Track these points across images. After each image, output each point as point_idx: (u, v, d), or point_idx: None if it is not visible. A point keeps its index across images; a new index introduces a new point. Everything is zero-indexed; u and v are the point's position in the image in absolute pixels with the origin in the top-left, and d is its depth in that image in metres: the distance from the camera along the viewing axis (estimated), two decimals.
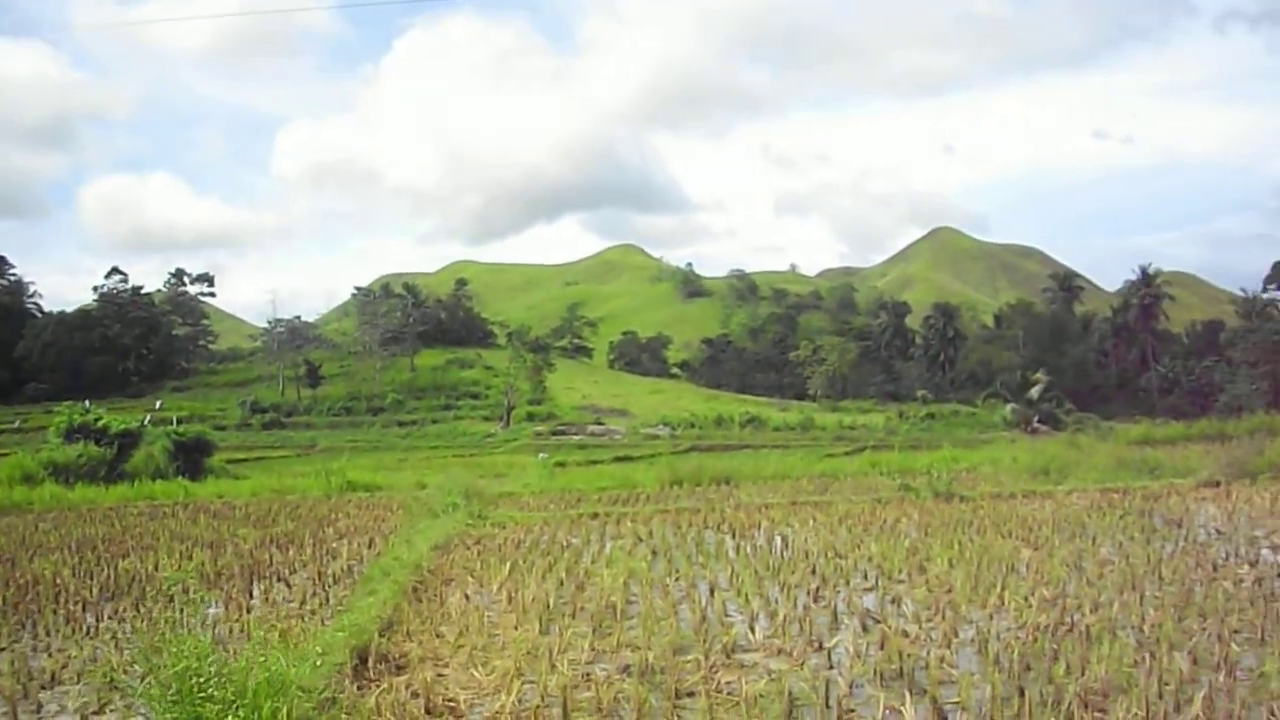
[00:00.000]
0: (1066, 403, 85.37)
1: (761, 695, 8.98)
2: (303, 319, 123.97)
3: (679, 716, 8.68)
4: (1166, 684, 8.68)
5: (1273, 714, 7.99)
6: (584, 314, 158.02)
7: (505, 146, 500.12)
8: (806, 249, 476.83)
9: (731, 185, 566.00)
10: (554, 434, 75.98)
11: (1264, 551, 15.59)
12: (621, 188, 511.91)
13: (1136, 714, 8.05)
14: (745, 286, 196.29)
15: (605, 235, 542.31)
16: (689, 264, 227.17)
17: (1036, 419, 76.25)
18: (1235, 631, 10.68)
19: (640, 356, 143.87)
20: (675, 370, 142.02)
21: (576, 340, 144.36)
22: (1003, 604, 12.28)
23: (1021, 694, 8.61)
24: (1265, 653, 9.72)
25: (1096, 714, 8.23)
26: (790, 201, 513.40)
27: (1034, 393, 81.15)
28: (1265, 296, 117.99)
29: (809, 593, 13.43)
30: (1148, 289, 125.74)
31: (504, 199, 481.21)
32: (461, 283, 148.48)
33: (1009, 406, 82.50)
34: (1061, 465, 29.74)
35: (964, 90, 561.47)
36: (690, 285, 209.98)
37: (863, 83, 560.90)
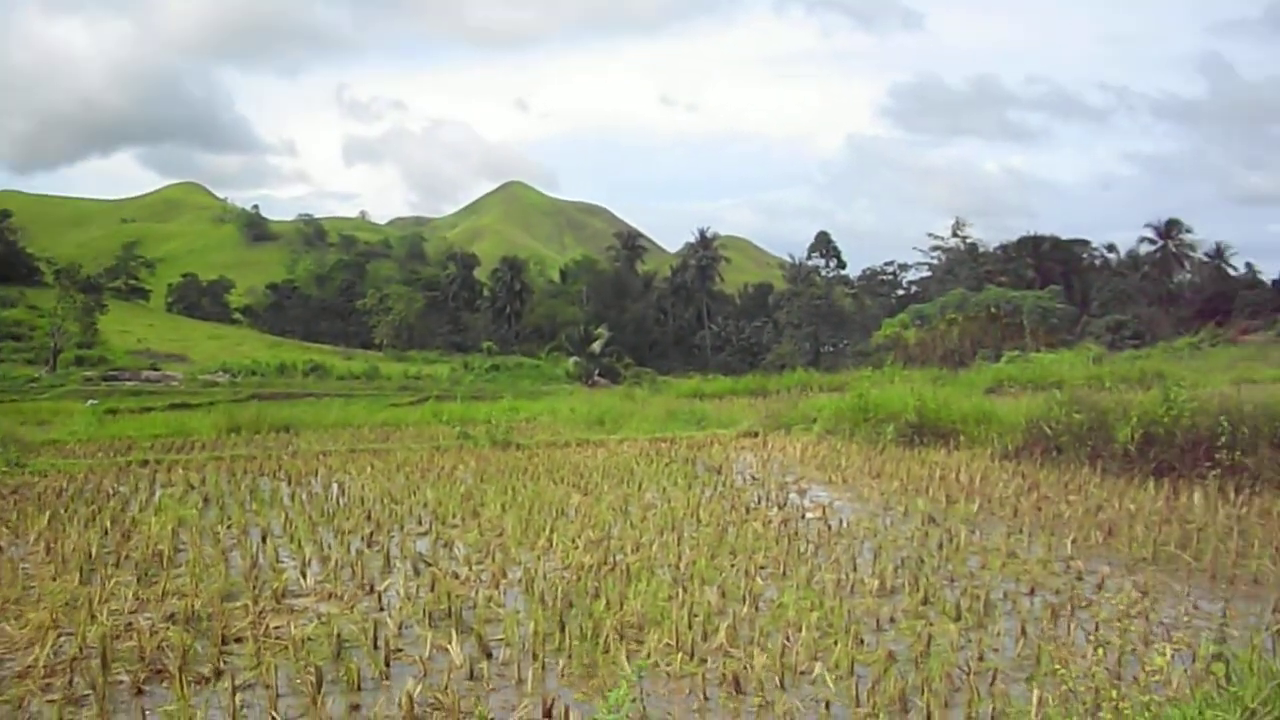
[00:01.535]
0: (626, 357, 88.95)
1: (310, 638, 9.05)
2: None
3: (225, 662, 8.59)
4: (696, 615, 9.37)
5: (788, 639, 8.80)
6: (141, 253, 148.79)
7: (57, 70, 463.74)
8: (378, 197, 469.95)
9: (303, 127, 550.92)
10: (105, 379, 71.70)
11: (791, 495, 16.98)
12: (185, 123, 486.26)
13: (668, 643, 8.69)
14: (313, 232, 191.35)
15: (166, 172, 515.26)
16: (255, 206, 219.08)
17: (597, 372, 79.02)
18: (761, 568, 11.64)
19: (201, 300, 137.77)
20: (238, 316, 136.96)
21: (132, 281, 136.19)
22: (551, 546, 12.83)
23: (562, 628, 9.11)
24: (785, 585, 10.66)
25: (632, 645, 8.80)
26: (363, 148, 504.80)
27: (595, 347, 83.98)
28: (809, 263, 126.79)
29: (363, 538, 13.55)
30: (705, 251, 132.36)
31: (55, 127, 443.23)
32: (4, 214, 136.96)
33: (572, 360, 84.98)
34: (616, 416, 31.06)
35: (540, 47, 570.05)
36: (256, 228, 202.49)
37: (440, 32, 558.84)
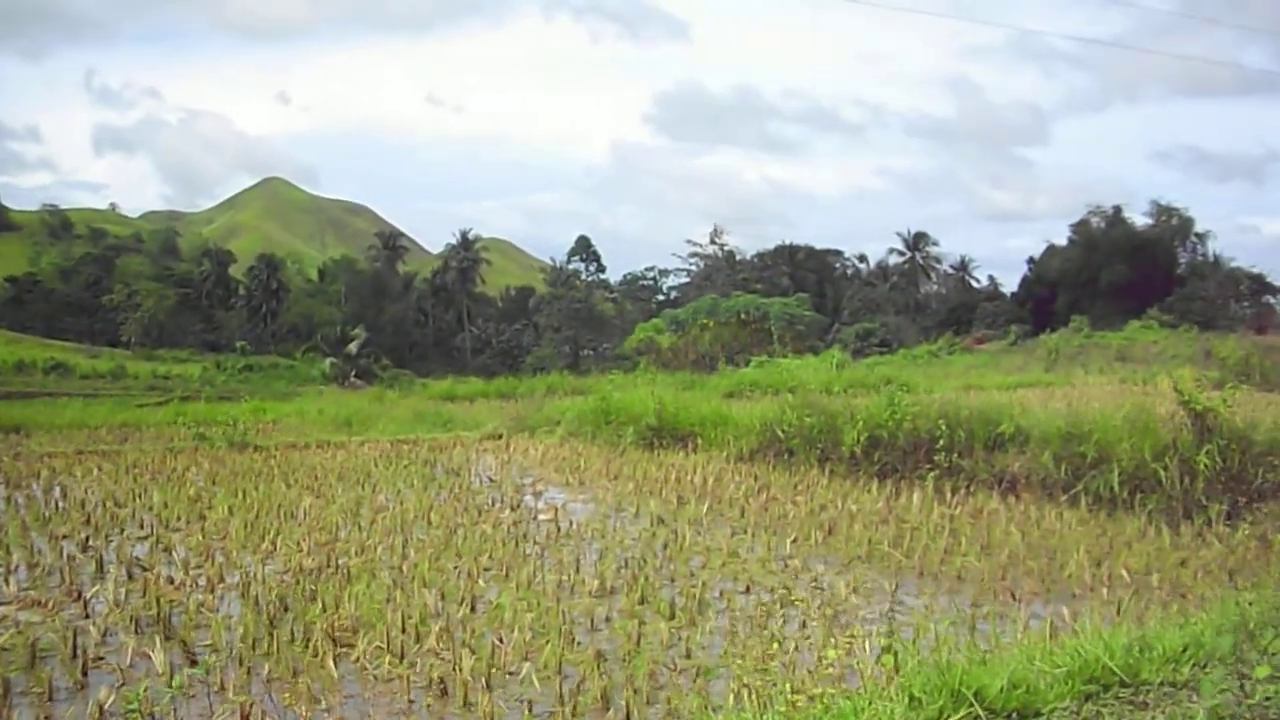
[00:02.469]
0: (384, 359, 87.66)
1: (4, 649, 8.64)
2: None
3: None
4: (410, 618, 9.30)
5: (500, 640, 8.80)
6: None
7: None
8: (129, 189, 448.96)
9: (48, 113, 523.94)
10: None
11: (527, 497, 17.02)
12: None
13: (379, 646, 8.60)
14: (59, 223, 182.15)
15: None
16: None
17: (354, 374, 77.58)
18: (485, 569, 11.65)
19: None
20: None
21: None
22: (275, 549, 12.58)
23: (273, 633, 8.92)
24: (506, 587, 10.68)
25: (343, 648, 8.68)
26: (114, 137, 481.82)
27: (352, 348, 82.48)
28: (570, 267, 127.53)
29: (78, 543, 13.01)
30: (467, 253, 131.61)
31: None
32: None
33: (328, 361, 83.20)
34: (364, 418, 30.63)
35: (303, 40, 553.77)
36: None
37: (198, 20, 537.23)
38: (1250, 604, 7.59)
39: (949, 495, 15.73)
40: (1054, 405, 20.08)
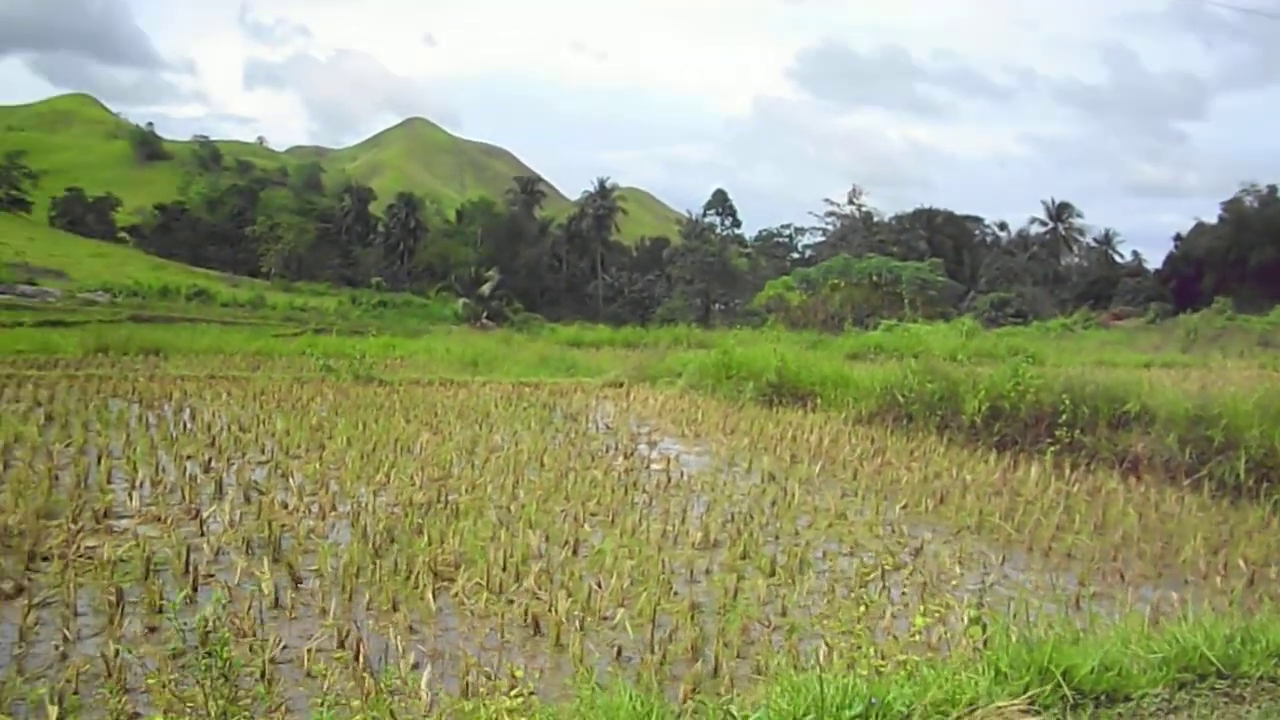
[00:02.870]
0: (516, 302, 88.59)
1: (121, 560, 8.97)
2: None
3: (30, 579, 8.50)
4: (512, 557, 9.44)
5: (598, 584, 8.90)
6: (26, 163, 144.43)
7: None
8: (277, 124, 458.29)
9: (203, 46, 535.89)
10: None
11: (641, 446, 17.11)
12: (80, 32, 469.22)
13: (478, 582, 8.75)
14: (209, 154, 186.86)
15: (58, 81, 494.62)
16: (150, 124, 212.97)
17: (485, 315, 78.53)
18: (592, 514, 11.75)
19: (86, 216, 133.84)
20: (124, 235, 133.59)
21: (14, 191, 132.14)
22: (388, 481, 12.84)
23: (376, 563, 9.13)
24: (610, 532, 10.78)
25: (443, 582, 8.85)
26: (264, 72, 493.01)
27: (485, 289, 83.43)
28: (705, 220, 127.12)
29: (201, 464, 13.43)
30: (604, 201, 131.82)
31: None
32: None
33: (461, 301, 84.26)
34: (490, 359, 31.03)
35: None
36: (149, 146, 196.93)
37: None
38: None
39: (1067, 471, 15.41)
40: (1186, 387, 19.49)
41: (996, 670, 5.78)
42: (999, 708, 5.09)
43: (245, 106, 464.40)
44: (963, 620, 7.41)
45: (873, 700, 5.11)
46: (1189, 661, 6.20)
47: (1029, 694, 5.52)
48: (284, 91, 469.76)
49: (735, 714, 5.38)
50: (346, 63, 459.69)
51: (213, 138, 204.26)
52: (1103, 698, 5.75)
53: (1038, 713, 5.26)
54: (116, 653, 6.73)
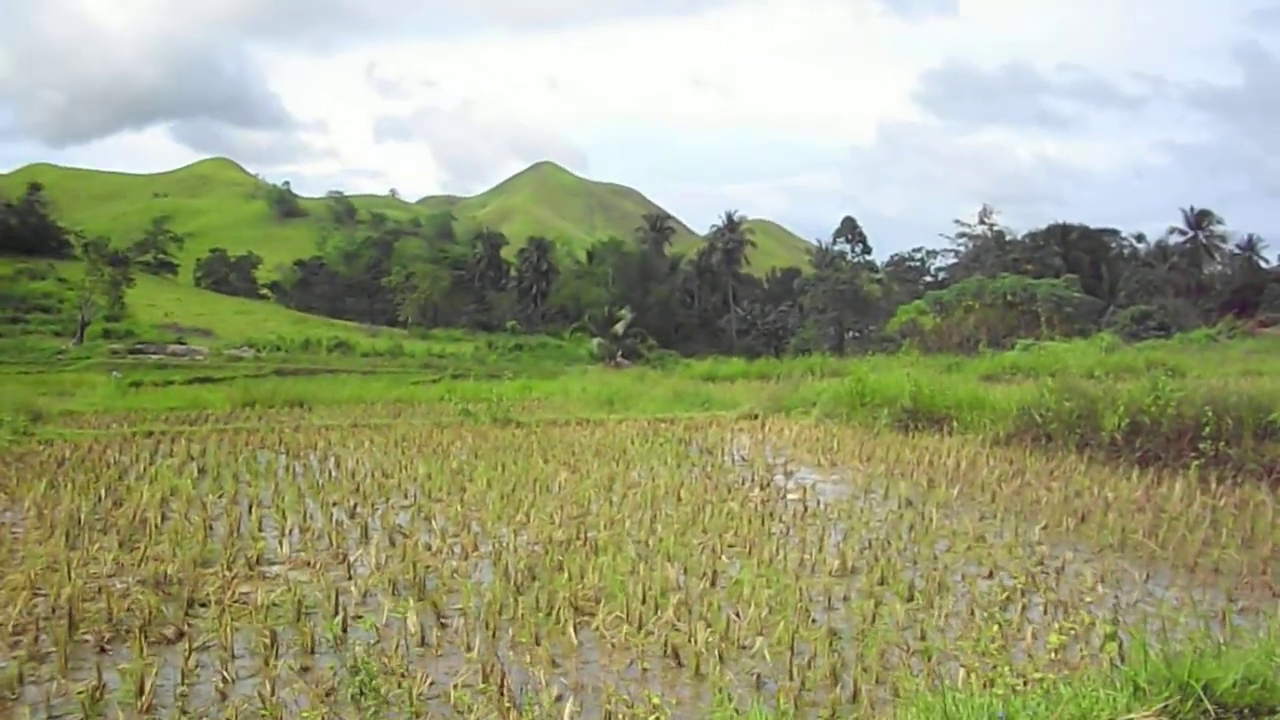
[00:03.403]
0: (650, 339, 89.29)
1: (275, 604, 9.32)
2: None
3: (189, 624, 8.88)
4: (651, 590, 9.59)
5: (737, 614, 9.01)
6: (171, 228, 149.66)
7: (91, 42, 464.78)
8: (408, 175, 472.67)
9: (334, 105, 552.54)
10: (131, 352, 72.29)
11: (777, 477, 17.16)
12: (217, 98, 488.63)
13: (618, 616, 8.92)
14: (343, 209, 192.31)
15: (198, 147, 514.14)
16: (286, 183, 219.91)
17: (620, 353, 79.19)
18: (729, 546, 11.84)
19: (229, 275, 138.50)
20: (265, 291, 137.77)
21: (161, 255, 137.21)
22: (528, 520, 13.07)
23: (518, 600, 9.35)
24: (748, 563, 10.87)
25: (584, 617, 9.04)
26: (393, 126, 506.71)
27: (619, 328, 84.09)
28: (835, 248, 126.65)
29: (346, 510, 13.84)
30: (732, 234, 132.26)
31: (89, 100, 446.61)
32: (36, 187, 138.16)
33: (595, 340, 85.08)
34: (626, 396, 31.29)
35: (572, 26, 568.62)
36: (286, 205, 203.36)
37: (472, 11, 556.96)
38: None
39: (1213, 485, 15.07)
40: None
41: (1135, 686, 5.76)
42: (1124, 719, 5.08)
43: (376, 160, 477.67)
44: (1097, 638, 7.37)
45: (1000, 715, 5.14)
46: None
47: (1165, 708, 5.49)
48: (413, 143, 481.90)
49: None
50: (472, 111, 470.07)
51: (346, 193, 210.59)
52: (1246, 711, 5.69)
53: None
54: (273, 691, 7.04)
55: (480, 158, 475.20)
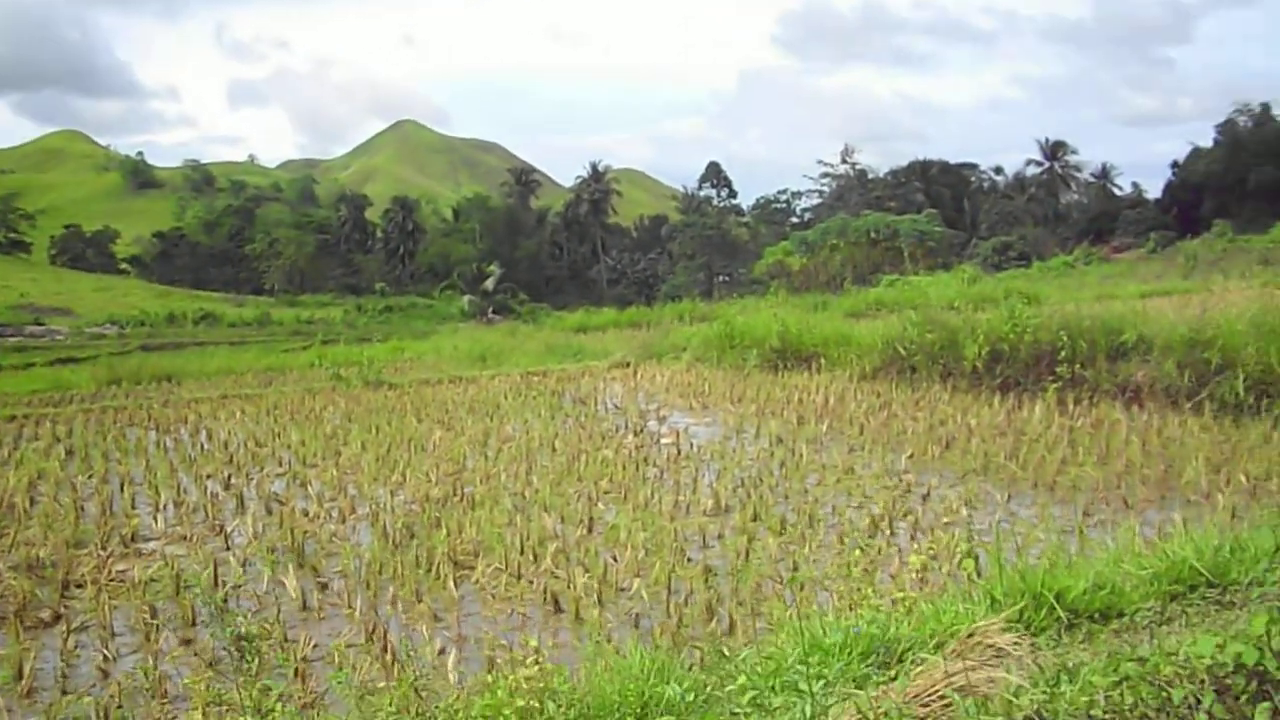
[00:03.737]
0: (520, 293, 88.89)
1: (152, 580, 9.24)
2: None
3: (65, 606, 8.79)
4: (529, 540, 9.71)
5: (614, 558, 9.17)
6: (20, 205, 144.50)
7: None
8: (266, 140, 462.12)
9: (185, 71, 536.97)
10: None
11: (650, 423, 17.36)
12: (62, 68, 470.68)
13: (497, 568, 9.03)
14: (201, 178, 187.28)
15: (44, 120, 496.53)
16: (139, 153, 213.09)
17: (491, 310, 78.84)
18: (605, 493, 12.03)
19: (86, 252, 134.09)
20: (125, 266, 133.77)
21: (12, 234, 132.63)
22: (404, 480, 13.10)
23: (398, 559, 9.40)
24: (624, 508, 11.04)
25: (464, 571, 9.14)
26: (248, 90, 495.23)
27: (489, 284, 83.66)
28: (701, 193, 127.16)
29: (221, 481, 13.71)
30: (598, 185, 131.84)
31: None
32: None
33: (465, 298, 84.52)
34: (498, 352, 31.21)
35: None
36: (141, 176, 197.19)
37: None
38: None
39: (1071, 407, 15.65)
40: (1186, 313, 19.67)
41: (991, 598, 6.02)
42: (978, 628, 5.32)
43: (232, 126, 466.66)
44: (955, 556, 7.67)
45: (856, 630, 5.36)
46: (1180, 575, 6.42)
47: (1025, 619, 5.75)
48: (269, 107, 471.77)
49: (726, 653, 5.68)
50: (328, 72, 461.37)
51: (203, 161, 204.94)
52: (1097, 615, 5.98)
53: (1017, 629, 5.48)
54: (155, 665, 7.03)
55: (339, 119, 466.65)
